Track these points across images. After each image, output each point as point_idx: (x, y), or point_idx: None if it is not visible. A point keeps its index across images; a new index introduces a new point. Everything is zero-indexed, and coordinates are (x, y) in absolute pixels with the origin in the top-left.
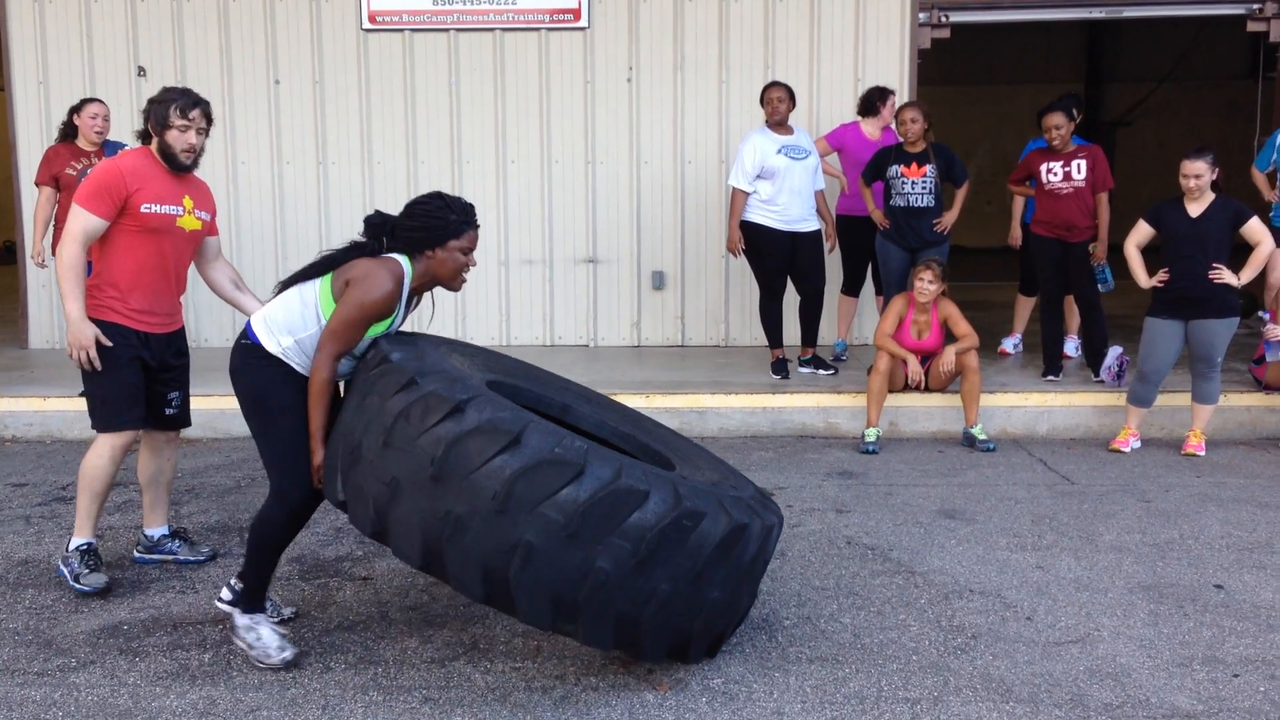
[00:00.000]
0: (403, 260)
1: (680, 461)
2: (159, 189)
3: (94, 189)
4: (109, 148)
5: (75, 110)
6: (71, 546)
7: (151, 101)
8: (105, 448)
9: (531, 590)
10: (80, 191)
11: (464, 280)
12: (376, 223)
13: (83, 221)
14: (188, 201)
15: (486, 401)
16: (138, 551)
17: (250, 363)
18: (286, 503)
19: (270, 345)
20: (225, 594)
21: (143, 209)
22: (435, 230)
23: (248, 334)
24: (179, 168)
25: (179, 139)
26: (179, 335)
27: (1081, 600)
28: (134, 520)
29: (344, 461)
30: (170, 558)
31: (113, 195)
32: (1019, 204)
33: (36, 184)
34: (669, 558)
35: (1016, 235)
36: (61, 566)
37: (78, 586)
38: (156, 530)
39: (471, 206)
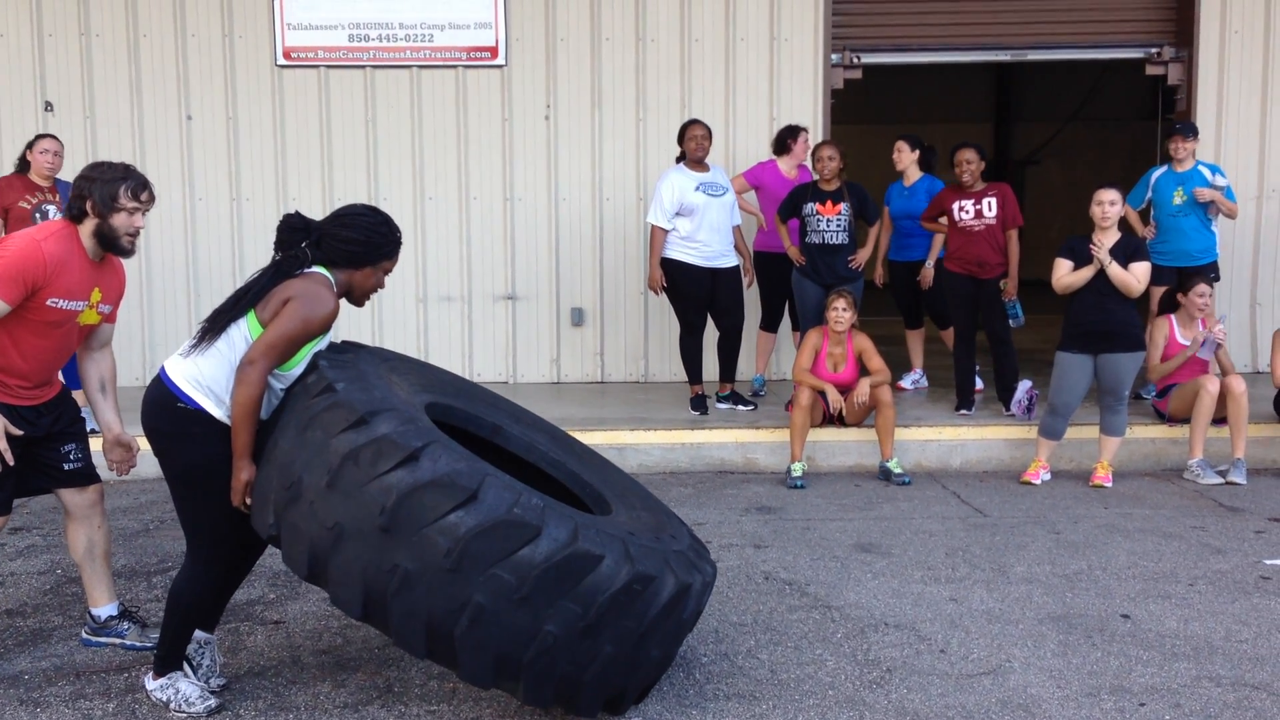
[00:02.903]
0: (327, 275)
1: (614, 499)
2: (71, 282)
3: (11, 273)
4: (61, 186)
5: (30, 145)
6: None
7: (89, 179)
8: None
9: (476, 650)
10: None
11: (368, 299)
12: (299, 226)
13: None
14: (95, 295)
15: (442, 449)
16: (85, 633)
17: (192, 431)
18: (213, 569)
19: (217, 410)
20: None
21: (48, 303)
22: (375, 249)
23: (181, 398)
24: (120, 253)
25: (127, 222)
26: (60, 399)
27: (993, 632)
28: (37, 566)
29: (279, 495)
30: (118, 641)
31: (26, 283)
32: (883, 243)
33: None
34: (616, 621)
35: (881, 273)
36: None
37: None
38: (103, 610)
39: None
